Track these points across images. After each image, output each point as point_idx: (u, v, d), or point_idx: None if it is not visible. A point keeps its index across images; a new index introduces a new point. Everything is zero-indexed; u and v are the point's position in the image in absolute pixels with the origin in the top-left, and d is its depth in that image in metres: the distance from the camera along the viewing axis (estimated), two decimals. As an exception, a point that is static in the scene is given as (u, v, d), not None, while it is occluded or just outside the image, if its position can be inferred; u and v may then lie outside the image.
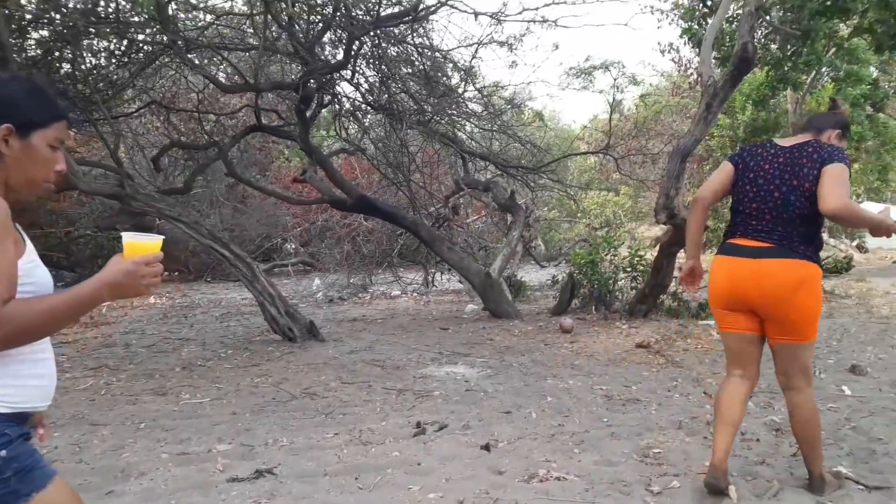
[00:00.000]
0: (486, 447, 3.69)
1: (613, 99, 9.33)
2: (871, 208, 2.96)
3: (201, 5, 7.62)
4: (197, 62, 7.75)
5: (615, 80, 9.31)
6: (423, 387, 5.14)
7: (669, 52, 13.08)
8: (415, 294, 12.29)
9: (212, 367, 6.13)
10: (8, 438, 1.36)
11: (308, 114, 8.05)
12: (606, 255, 8.79)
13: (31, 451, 1.42)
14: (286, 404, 4.78)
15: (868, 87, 13.12)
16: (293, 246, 16.45)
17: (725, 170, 2.99)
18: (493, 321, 8.46)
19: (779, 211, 2.80)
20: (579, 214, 27.27)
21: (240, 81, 7.28)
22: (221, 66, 8.07)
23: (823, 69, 12.84)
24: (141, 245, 1.42)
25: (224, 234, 13.31)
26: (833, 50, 8.79)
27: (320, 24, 6.90)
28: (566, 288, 8.83)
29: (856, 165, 13.86)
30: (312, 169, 9.06)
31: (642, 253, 8.91)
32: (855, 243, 18.27)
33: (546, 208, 21.96)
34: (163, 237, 1.47)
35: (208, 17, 7.72)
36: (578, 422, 4.20)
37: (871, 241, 21.89)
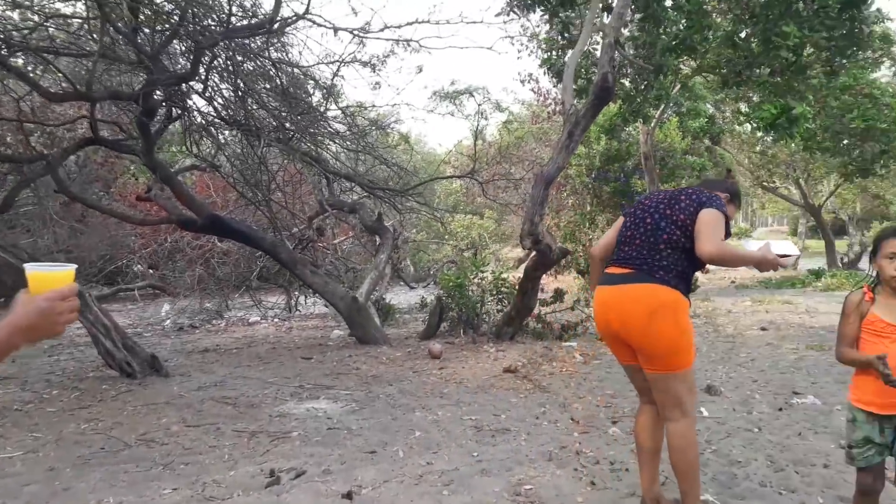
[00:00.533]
0: (348, 495, 3.35)
1: (478, 124, 9.39)
2: (752, 245, 2.98)
3: (26, 3, 6.74)
4: (21, 66, 6.85)
5: (479, 105, 9.39)
6: (279, 427, 4.69)
7: (529, 81, 13.49)
8: (276, 320, 11.64)
9: (30, 411, 5.29)
10: None
11: (154, 128, 7.34)
12: (473, 277, 8.74)
13: None
14: (117, 454, 4.15)
15: (706, 121, 14.24)
16: (141, 268, 15.17)
17: (617, 223, 3.05)
18: (360, 348, 8.09)
19: (647, 236, 2.79)
20: (446, 236, 27.60)
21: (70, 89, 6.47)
22: (50, 73, 7.18)
23: (670, 104, 13.80)
24: (50, 277, 1.27)
25: (59, 255, 11.97)
26: (678, 87, 9.39)
27: (167, 33, 6.29)
28: (434, 311, 8.66)
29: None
30: (158, 186, 8.30)
31: (505, 276, 8.96)
32: (698, 264, 19.64)
33: (414, 230, 21.95)
34: (75, 266, 1.32)
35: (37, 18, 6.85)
36: (448, 458, 3.96)
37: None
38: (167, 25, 6.29)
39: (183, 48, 7.63)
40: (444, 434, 4.48)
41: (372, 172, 9.56)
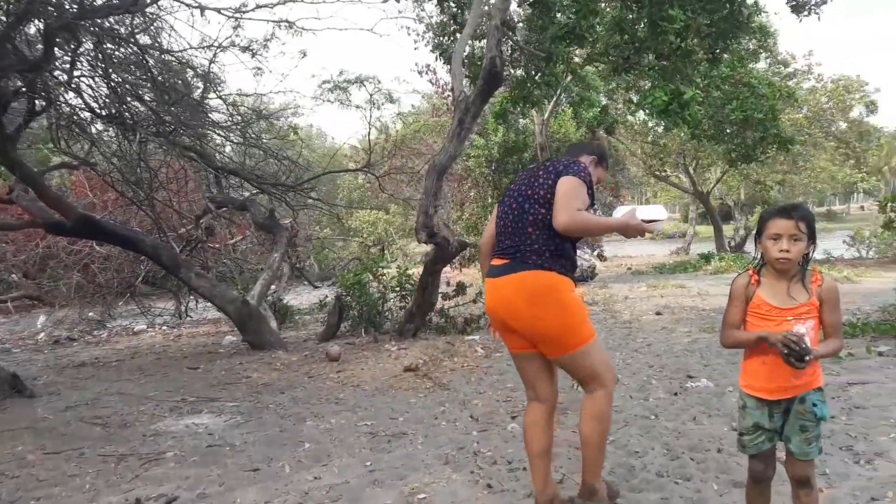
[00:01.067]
0: (222, 523, 3.02)
1: (370, 115, 9.08)
2: (620, 212, 2.89)
3: None
4: None
5: (371, 95, 9.08)
6: (152, 448, 4.25)
7: (427, 73, 13.30)
8: (164, 327, 10.92)
9: None
10: None
11: (15, 123, 6.60)
12: (375, 274, 8.46)
13: None
14: (-46, 495, 3.61)
15: (599, 111, 14.55)
16: (15, 278, 13.89)
17: (495, 212, 2.97)
18: (252, 354, 7.63)
19: (516, 223, 2.74)
20: (351, 233, 27.14)
21: None
22: None
23: (563, 94, 13.98)
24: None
25: None
26: (570, 77, 9.47)
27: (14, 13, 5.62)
28: (334, 311, 8.32)
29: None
30: (21, 187, 7.51)
31: (411, 272, 8.74)
32: (596, 252, 20.20)
33: (318, 227, 21.39)
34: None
35: None
36: (338, 471, 3.69)
37: (610, 250, 24.56)
38: (13, 3, 5.62)
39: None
40: (336, 444, 4.20)
41: (263, 167, 9.06)
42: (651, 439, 3.99)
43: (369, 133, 9.44)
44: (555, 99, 9.85)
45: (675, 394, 5.05)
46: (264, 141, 8.69)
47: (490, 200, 14.09)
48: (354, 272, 8.38)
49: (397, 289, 8.49)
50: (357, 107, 9.67)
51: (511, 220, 2.76)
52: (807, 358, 2.24)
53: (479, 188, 14.18)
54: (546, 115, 9.69)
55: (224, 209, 10.07)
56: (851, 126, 21.07)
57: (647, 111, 5.15)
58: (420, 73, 13.35)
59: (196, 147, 8.54)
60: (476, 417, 4.65)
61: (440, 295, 8.69)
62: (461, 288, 8.63)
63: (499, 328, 2.87)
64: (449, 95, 14.73)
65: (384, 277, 8.56)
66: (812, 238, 2.35)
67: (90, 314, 11.10)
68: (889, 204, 9.42)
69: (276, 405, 5.23)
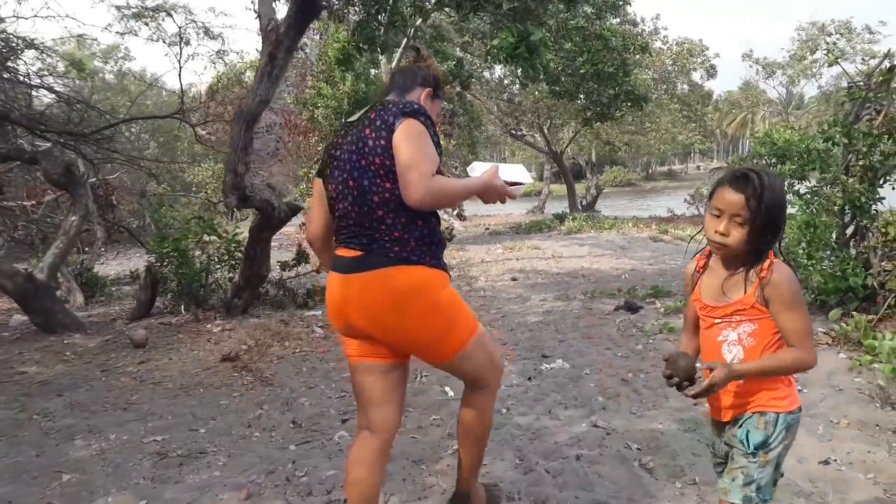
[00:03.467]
0: None
1: (180, 52, 7.75)
2: (478, 168, 2.22)
3: None
4: None
5: (181, 28, 7.70)
6: None
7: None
8: (-58, 304, 9.04)
9: None
10: None
11: None
12: (198, 240, 7.27)
13: None
14: None
15: (454, 64, 13.88)
16: None
17: (316, 188, 2.27)
18: (41, 339, 6.28)
19: (359, 205, 2.07)
20: (194, 188, 24.94)
21: None
22: None
23: (412, 39, 13.11)
24: None
25: None
26: (420, 20, 8.65)
27: None
28: (145, 285, 7.09)
29: (452, 141, 14.71)
30: None
31: (242, 237, 7.64)
32: (455, 212, 19.81)
33: (154, 182, 19.28)
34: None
35: None
36: (98, 519, 2.76)
37: (469, 209, 24.35)
38: None
39: None
40: (107, 473, 3.23)
41: (57, 113, 7.48)
42: (501, 444, 3.40)
43: (180, 74, 8.07)
44: (403, 44, 8.98)
45: (530, 378, 4.54)
46: (44, 78, 7.10)
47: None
48: (170, 238, 7.16)
49: (225, 258, 7.39)
50: (168, 43, 8.22)
51: (351, 202, 2.09)
52: (683, 384, 1.67)
53: (327, 142, 13.06)
54: (395, 63, 8.81)
55: (10, 162, 8.36)
56: (693, 89, 22.01)
57: (493, 55, 4.48)
58: (248, 8, 11.88)
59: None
60: (299, 423, 3.85)
61: (278, 264, 7.73)
62: (302, 256, 7.70)
63: (342, 330, 2.20)
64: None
65: (209, 244, 7.41)
66: (770, 228, 1.67)
67: None
68: (737, 164, 9.58)
69: (44, 414, 4.11)
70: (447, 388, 4.30)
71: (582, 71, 9.51)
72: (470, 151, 15.89)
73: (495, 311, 6.81)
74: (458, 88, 14.70)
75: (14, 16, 6.71)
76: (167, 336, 6.19)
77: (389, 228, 2.04)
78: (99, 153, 7.65)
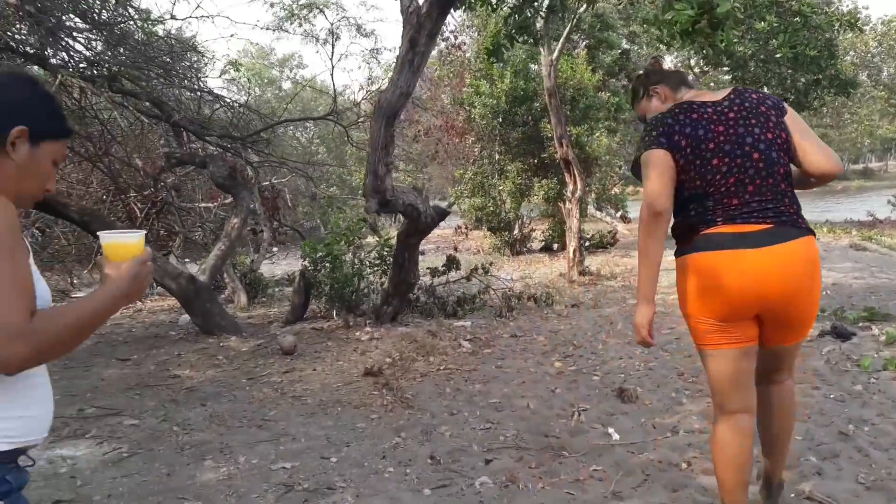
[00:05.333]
0: None
1: (332, 50, 7.63)
2: None
3: None
4: None
5: (333, 24, 7.59)
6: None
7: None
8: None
9: None
10: (9, 487, 1.22)
11: None
12: (349, 244, 7.13)
13: None
14: None
15: (619, 54, 12.91)
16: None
17: (663, 160, 2.22)
18: (199, 340, 6.42)
19: (763, 177, 2.19)
20: (360, 191, 25.82)
21: None
22: None
23: (577, 34, 12.31)
24: (126, 245, 1.33)
25: None
26: (584, 7, 7.90)
27: None
28: (299, 289, 7.05)
29: (616, 137, 13.74)
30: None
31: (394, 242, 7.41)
32: (619, 214, 18.66)
33: (324, 185, 20.11)
34: (144, 231, 1.40)
35: None
36: (205, 568, 2.44)
37: (633, 210, 22.92)
38: None
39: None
40: (232, 502, 2.95)
41: (221, 117, 7.69)
42: (683, 516, 2.68)
43: (332, 73, 8.00)
44: (565, 34, 8.30)
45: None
46: (204, 83, 7.29)
47: (497, 157, 12.62)
48: (324, 242, 7.07)
49: (378, 262, 7.18)
50: (320, 41, 8.17)
51: (754, 174, 2.18)
52: None
53: (484, 143, 12.69)
54: (555, 55, 8.17)
55: (184, 167, 8.79)
56: (902, 74, 19.07)
57: (665, 33, 3.70)
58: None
59: (138, 92, 7.22)
60: (438, 458, 3.37)
61: (428, 270, 7.40)
62: (452, 262, 7.30)
63: (734, 315, 2.19)
64: (449, 37, 13.16)
65: (362, 249, 7.25)
66: None
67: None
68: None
69: (183, 426, 3.99)
70: (611, 430, 3.62)
71: (778, 55, 8.18)
72: (636, 150, 14.77)
73: (668, 332, 5.95)
74: (623, 81, 13.72)
75: (170, 16, 6.90)
76: (316, 343, 6.05)
77: (791, 201, 2.20)
78: (258, 156, 7.77)
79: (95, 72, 7.09)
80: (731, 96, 2.28)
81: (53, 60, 6.87)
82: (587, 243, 12.44)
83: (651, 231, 2.18)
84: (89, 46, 7.17)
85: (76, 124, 7.93)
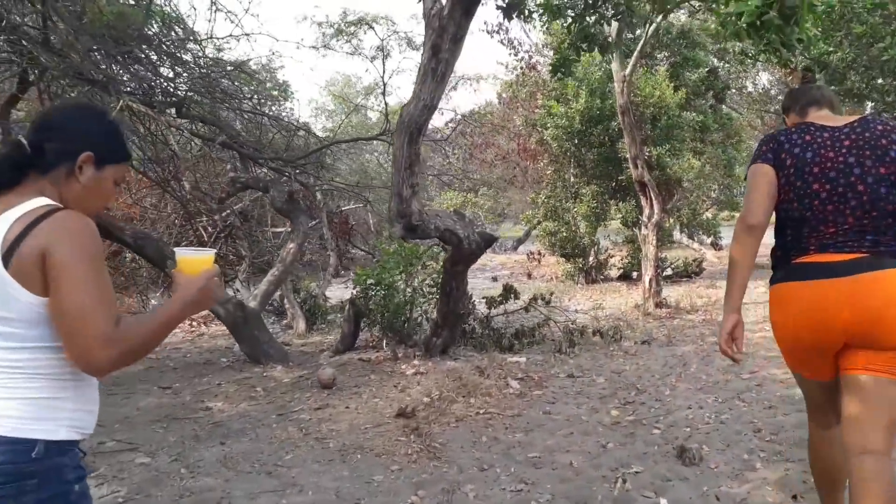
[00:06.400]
0: None
1: (384, 67, 7.36)
2: None
3: None
4: None
5: (383, 41, 7.32)
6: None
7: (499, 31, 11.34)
8: (194, 322, 9.80)
9: None
10: (81, 473, 1.39)
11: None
12: (399, 273, 6.78)
13: (89, 493, 1.42)
14: None
15: (706, 72, 12.09)
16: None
17: (766, 175, 2.24)
18: (243, 369, 6.23)
19: (867, 209, 2.11)
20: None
21: None
22: None
23: (661, 50, 11.62)
24: (197, 260, 1.48)
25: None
26: (661, 16, 7.27)
27: None
28: (349, 318, 6.76)
29: (704, 159, 12.85)
30: None
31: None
32: (710, 240, 17.53)
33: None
34: (215, 250, 1.57)
35: None
36: None
37: (726, 236, 21.56)
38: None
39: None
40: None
41: (275, 140, 7.56)
42: None
43: (384, 91, 7.71)
44: (639, 48, 7.71)
45: (795, 497, 3.06)
46: (250, 102, 7.17)
47: (572, 180, 12.03)
48: (375, 270, 6.77)
49: (432, 290, 6.80)
50: (371, 59, 7.90)
51: (856, 206, 2.13)
52: None
53: (557, 164, 12.13)
54: (629, 71, 7.60)
55: (248, 191, 8.78)
56: None
57: (728, 28, 3.11)
58: (491, 33, 11.42)
59: (199, 116, 7.22)
60: (455, 527, 2.91)
61: (484, 300, 6.95)
62: (509, 291, 6.81)
63: (816, 347, 2.20)
64: (522, 55, 12.77)
65: (415, 276, 6.89)
66: None
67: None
68: None
69: (192, 468, 3.71)
70: (663, 502, 3.03)
71: (884, 57, 7.15)
72: (726, 173, 13.78)
73: (748, 377, 5.22)
74: (711, 101, 12.86)
75: (210, 38, 6.83)
76: (359, 375, 5.71)
77: (892, 239, 2.11)
78: (310, 179, 7.61)
79: (162, 98, 7.15)
80: (854, 124, 2.23)
81: (125, 87, 6.97)
82: (668, 272, 11.62)
83: (742, 243, 2.22)
84: (156, 73, 7.25)
85: (148, 150, 8.09)
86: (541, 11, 5.16)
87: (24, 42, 5.89)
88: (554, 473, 3.47)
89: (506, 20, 5.47)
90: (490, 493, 3.27)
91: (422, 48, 4.13)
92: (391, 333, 6.67)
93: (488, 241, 5.48)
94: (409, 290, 6.82)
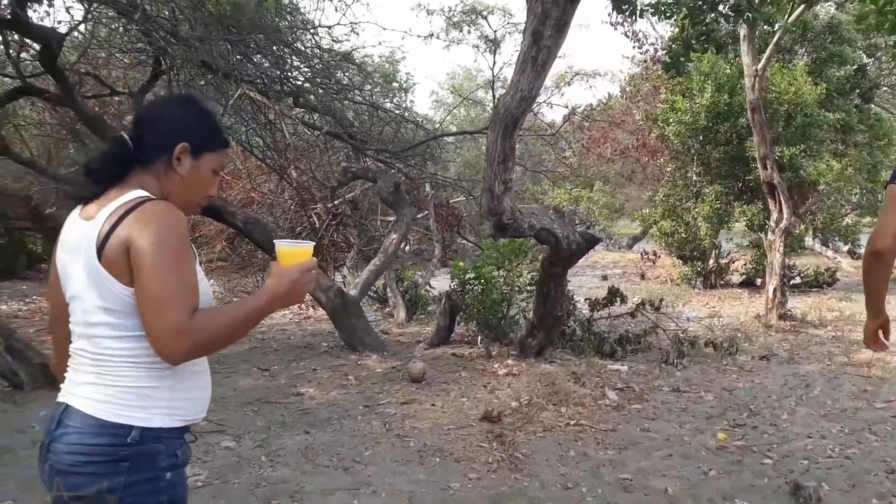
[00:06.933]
0: None
1: (494, 59, 7.07)
2: None
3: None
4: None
5: (496, 32, 7.02)
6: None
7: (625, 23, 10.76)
8: (302, 306, 10.06)
9: None
10: (175, 461, 1.41)
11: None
12: (499, 268, 6.58)
13: (186, 484, 1.46)
14: None
15: (853, 70, 10.94)
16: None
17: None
18: (339, 356, 6.28)
19: None
20: (551, 210, 25.28)
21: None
22: None
23: (801, 44, 10.64)
24: (295, 252, 1.46)
25: None
26: (802, 7, 6.55)
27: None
28: (444, 312, 6.66)
29: (843, 161, 11.68)
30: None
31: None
32: (846, 248, 16.02)
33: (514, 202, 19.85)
34: (313, 243, 1.53)
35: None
36: None
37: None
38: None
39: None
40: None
41: (378, 127, 7.56)
42: None
43: (493, 84, 7.46)
44: (776, 39, 7.02)
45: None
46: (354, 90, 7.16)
47: (694, 179, 11.29)
48: (474, 265, 6.61)
49: (529, 287, 6.56)
50: (480, 50, 7.68)
51: None
52: None
53: (678, 162, 11.41)
54: (761, 65, 6.95)
55: (358, 181, 8.90)
56: None
57: (886, 24, 2.63)
58: (614, 25, 10.88)
59: (319, 107, 7.35)
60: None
61: (587, 301, 6.62)
62: (615, 294, 6.44)
63: None
64: (646, 47, 12.12)
65: (515, 272, 6.67)
66: None
67: (215, 288, 10.67)
68: None
69: (273, 456, 3.72)
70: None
71: None
72: (868, 178, 12.47)
73: (882, 406, 4.61)
74: (856, 101, 11.65)
75: (325, 26, 6.86)
76: (449, 371, 5.59)
77: None
78: (415, 171, 7.57)
79: (279, 87, 7.34)
80: None
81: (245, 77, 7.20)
82: (796, 280, 10.67)
83: (870, 271, 2.05)
84: (275, 64, 7.44)
85: (267, 137, 8.37)
86: (651, 11, 4.76)
87: (156, 33, 6.21)
88: (645, 500, 3.18)
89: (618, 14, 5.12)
90: (572, 513, 3.03)
91: (522, 35, 3.89)
92: (486, 330, 6.50)
93: (590, 243, 5.16)
94: (507, 286, 6.61)
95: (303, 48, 7.49)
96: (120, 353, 1.37)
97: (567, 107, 18.95)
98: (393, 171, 8.16)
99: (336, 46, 6.91)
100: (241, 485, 3.33)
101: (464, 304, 6.53)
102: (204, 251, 10.48)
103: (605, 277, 13.78)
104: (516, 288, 6.58)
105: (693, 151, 10.88)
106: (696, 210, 11.17)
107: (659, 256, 13.55)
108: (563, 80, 11.73)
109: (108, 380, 1.38)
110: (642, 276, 13.50)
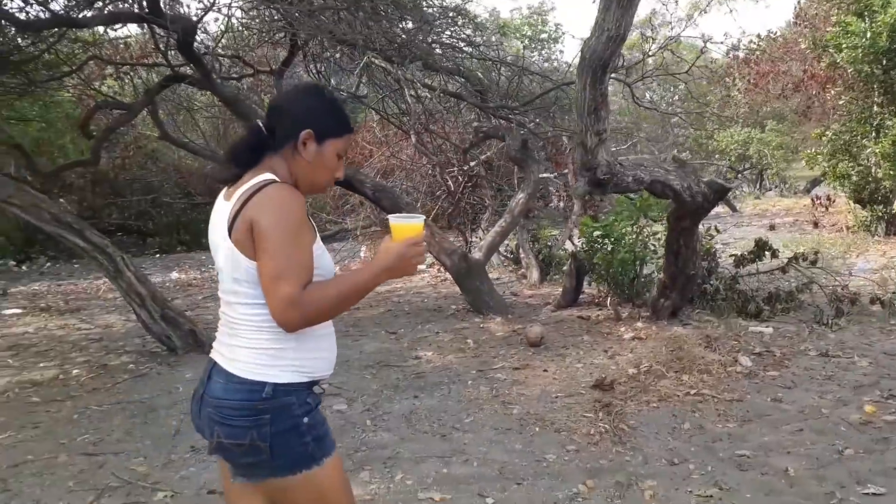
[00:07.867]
0: None
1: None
2: None
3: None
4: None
5: None
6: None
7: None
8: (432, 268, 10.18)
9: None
10: (309, 407, 1.60)
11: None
12: (631, 224, 6.18)
13: (323, 419, 1.66)
14: None
15: None
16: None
17: None
18: (463, 319, 6.29)
19: None
20: (717, 155, 23.53)
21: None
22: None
23: None
24: (407, 227, 1.56)
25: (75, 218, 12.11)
26: None
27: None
28: (570, 272, 6.41)
29: None
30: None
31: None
32: None
33: (676, 150, 18.75)
34: (424, 216, 1.64)
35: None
36: None
37: None
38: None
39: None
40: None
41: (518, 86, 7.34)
42: None
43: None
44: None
45: None
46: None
47: (875, 109, 9.83)
48: (604, 223, 6.25)
49: (663, 245, 6.09)
50: None
51: None
52: None
53: (854, 93, 9.96)
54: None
55: (487, 140, 8.76)
56: None
57: None
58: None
59: (448, 67, 7.27)
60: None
61: (732, 258, 6.05)
62: (763, 248, 5.81)
63: None
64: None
65: (642, 232, 6.22)
66: None
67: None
68: None
69: (377, 420, 3.81)
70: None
71: None
72: None
73: None
74: None
75: None
76: (571, 335, 5.40)
77: None
78: (532, 124, 7.27)
79: (403, 52, 7.36)
80: None
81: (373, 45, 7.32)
82: None
83: None
84: (402, 31, 7.44)
85: (401, 103, 8.48)
86: None
87: (283, 9, 6.46)
88: (760, 480, 2.84)
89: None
90: (672, 494, 2.79)
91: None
92: (617, 291, 6.17)
93: (719, 193, 4.64)
94: (640, 244, 6.19)
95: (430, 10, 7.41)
96: (251, 319, 1.54)
97: (726, 35, 17.28)
98: (517, 126, 7.93)
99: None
100: (341, 449, 3.38)
101: (592, 265, 6.24)
102: (352, 217, 10.98)
103: (772, 227, 12.61)
104: (651, 246, 6.15)
105: (872, 79, 9.46)
106: (875, 148, 9.76)
107: (833, 201, 12.10)
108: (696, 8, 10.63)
109: (243, 342, 1.57)
110: (815, 224, 12.16)
